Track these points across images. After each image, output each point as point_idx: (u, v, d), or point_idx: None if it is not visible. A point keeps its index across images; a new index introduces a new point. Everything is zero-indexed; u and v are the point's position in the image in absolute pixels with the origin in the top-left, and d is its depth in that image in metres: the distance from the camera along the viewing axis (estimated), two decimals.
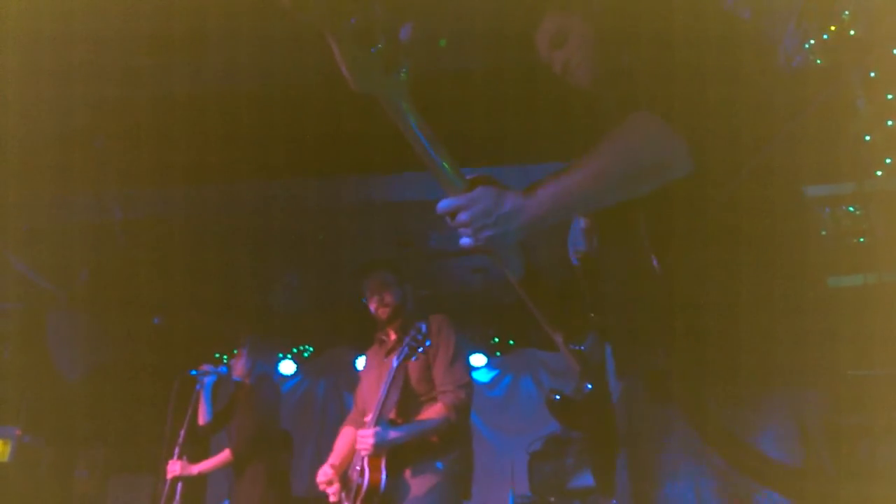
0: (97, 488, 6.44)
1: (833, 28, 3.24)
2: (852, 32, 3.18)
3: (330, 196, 4.68)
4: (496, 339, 6.96)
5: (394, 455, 2.83)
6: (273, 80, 3.67)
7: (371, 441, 2.76)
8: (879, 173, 3.11)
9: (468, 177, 1.27)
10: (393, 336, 3.22)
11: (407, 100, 1.18)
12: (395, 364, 2.84)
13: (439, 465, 2.88)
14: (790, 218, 1.27)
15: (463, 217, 1.24)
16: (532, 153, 4.00)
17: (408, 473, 2.86)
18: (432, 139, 1.23)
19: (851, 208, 3.08)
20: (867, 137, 3.18)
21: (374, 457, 2.81)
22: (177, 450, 3.72)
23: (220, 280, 5.74)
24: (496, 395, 6.83)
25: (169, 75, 3.64)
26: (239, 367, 4.10)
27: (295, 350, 7.17)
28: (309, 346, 7.23)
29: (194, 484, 3.87)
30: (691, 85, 1.20)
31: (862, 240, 3.02)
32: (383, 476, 2.79)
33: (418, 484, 2.84)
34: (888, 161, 3.10)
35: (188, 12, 3.15)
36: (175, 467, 3.74)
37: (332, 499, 2.92)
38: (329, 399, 7.17)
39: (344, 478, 2.97)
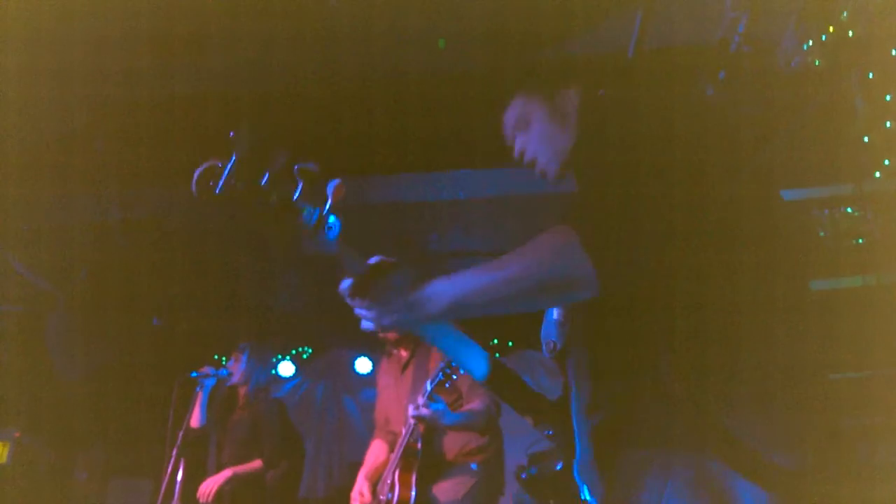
0: (97, 490, 6.43)
1: (832, 29, 3.24)
2: (851, 33, 3.18)
3: None
4: (495, 341, 6.95)
5: (425, 469, 2.83)
6: (273, 80, 3.67)
7: (427, 412, 2.76)
8: (878, 174, 3.11)
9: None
10: (405, 353, 3.22)
11: (344, 247, 1.29)
12: (429, 388, 2.80)
13: (474, 465, 2.88)
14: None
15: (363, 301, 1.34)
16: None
17: (441, 485, 2.85)
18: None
19: (850, 209, 3.08)
20: (866, 138, 3.18)
21: (406, 472, 2.80)
22: (174, 452, 3.71)
23: (219, 281, 5.74)
24: None
25: (169, 76, 3.64)
26: (238, 373, 4.13)
27: (294, 351, 7.15)
28: (308, 347, 7.22)
29: (194, 485, 3.87)
30: (614, 212, 1.14)
31: (861, 241, 3.02)
32: (413, 492, 2.78)
33: (454, 490, 2.83)
34: (887, 162, 3.10)
35: (188, 12, 3.15)
36: (211, 484, 3.77)
37: None
38: (328, 400, 7.15)
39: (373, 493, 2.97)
